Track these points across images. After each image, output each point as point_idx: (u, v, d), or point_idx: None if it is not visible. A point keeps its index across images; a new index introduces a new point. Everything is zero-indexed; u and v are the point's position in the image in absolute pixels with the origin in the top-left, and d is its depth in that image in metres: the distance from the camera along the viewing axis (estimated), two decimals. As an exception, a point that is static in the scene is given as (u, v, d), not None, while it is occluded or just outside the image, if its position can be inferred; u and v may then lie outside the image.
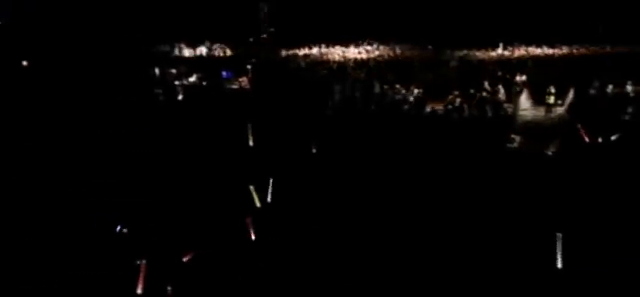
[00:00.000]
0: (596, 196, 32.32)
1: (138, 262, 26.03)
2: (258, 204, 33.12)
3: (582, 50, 68.03)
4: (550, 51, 69.07)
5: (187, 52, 70.30)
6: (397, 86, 53.36)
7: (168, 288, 25.63)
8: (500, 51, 69.27)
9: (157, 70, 64.18)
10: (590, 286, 24.91)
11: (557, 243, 26.99)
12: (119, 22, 67.16)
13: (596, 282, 25.02)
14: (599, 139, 41.06)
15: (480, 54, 68.76)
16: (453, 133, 43.63)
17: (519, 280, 25.60)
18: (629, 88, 52.85)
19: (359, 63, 66.05)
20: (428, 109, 48.28)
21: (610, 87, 52.26)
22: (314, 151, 40.63)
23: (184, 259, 27.27)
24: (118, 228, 30.11)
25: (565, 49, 68.94)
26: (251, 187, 33.39)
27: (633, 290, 24.58)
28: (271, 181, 33.81)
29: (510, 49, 69.73)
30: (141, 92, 55.28)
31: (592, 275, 25.41)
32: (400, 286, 25.53)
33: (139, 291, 25.40)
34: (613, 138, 40.96)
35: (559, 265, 26.59)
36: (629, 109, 46.79)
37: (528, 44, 69.81)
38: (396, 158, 38.25)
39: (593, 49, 66.98)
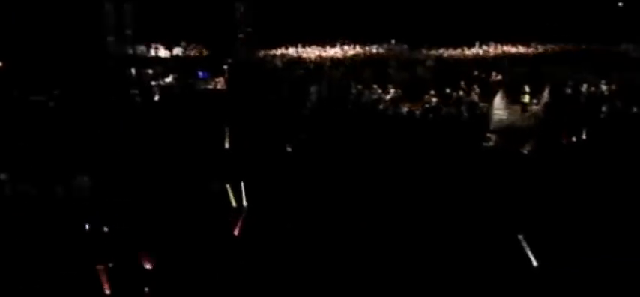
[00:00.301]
0: (571, 194, 32.52)
1: (102, 265, 25.79)
2: (234, 203, 33.05)
3: (557, 49, 68.54)
4: (525, 50, 69.53)
5: (164, 53, 70.13)
6: (374, 86, 53.44)
7: (146, 288, 25.49)
8: (475, 50, 69.62)
9: (133, 71, 63.99)
10: (563, 284, 25.01)
11: (528, 241, 27.08)
12: (95, 22, 66.90)
13: (569, 280, 25.13)
14: (574, 138, 41.29)
15: (456, 53, 69.10)
16: (429, 133, 43.72)
17: (492, 278, 25.66)
18: (603, 87, 53.25)
19: (335, 63, 66.17)
20: (405, 109, 48.28)
21: (584, 86, 52.62)
22: (289, 150, 40.63)
23: (149, 262, 27.08)
24: (91, 226, 29.95)
25: (540, 49, 69.42)
26: (227, 186, 33.30)
27: (607, 287, 24.71)
28: (247, 181, 33.72)
29: (486, 48, 70.09)
30: (117, 92, 55.10)
31: (565, 273, 25.53)
32: (376, 284, 25.52)
33: (108, 291, 25.24)
34: (584, 137, 41.19)
35: (534, 263, 26.65)
36: (604, 108, 47.12)
37: (504, 43, 70.22)
38: (371, 158, 38.27)
39: (568, 47, 67.47)
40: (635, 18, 67.44)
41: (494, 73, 59.30)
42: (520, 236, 27.04)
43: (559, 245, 27.45)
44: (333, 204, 32.19)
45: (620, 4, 70.93)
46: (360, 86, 53.26)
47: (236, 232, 29.59)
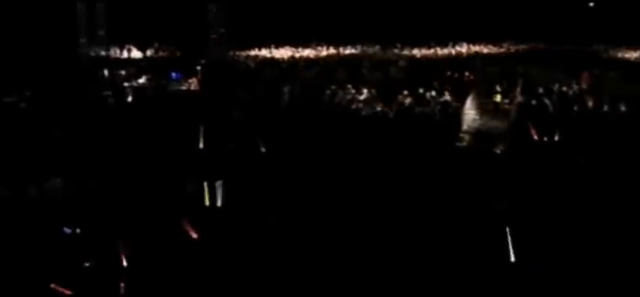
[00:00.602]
0: (544, 194, 32.69)
1: (54, 285, 25.47)
2: (207, 203, 32.95)
3: (528, 49, 69.04)
4: (498, 50, 69.99)
5: (136, 54, 69.99)
6: (348, 86, 53.50)
7: (122, 285, 25.30)
8: (448, 50, 69.97)
9: (106, 72, 63.74)
10: (537, 285, 25.09)
11: (504, 240, 27.13)
12: (67, 23, 66.59)
13: (545, 278, 25.22)
14: (546, 138, 41.49)
15: (428, 53, 69.41)
16: (403, 133, 43.72)
17: (468, 277, 25.70)
18: (575, 86, 53.65)
19: (309, 63, 66.24)
20: (378, 108, 48.29)
21: (556, 85, 52.98)
22: (263, 150, 40.58)
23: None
24: (68, 230, 29.69)
25: (512, 48, 69.91)
26: (205, 183, 33.21)
27: (580, 288, 24.81)
28: (221, 181, 33.63)
29: (459, 48, 70.48)
30: (90, 94, 54.76)
31: (541, 271, 25.62)
32: (353, 287, 25.48)
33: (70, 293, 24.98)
34: (557, 138, 41.40)
35: (507, 262, 26.72)
36: (576, 107, 47.46)
37: (476, 43, 70.66)
38: (345, 158, 38.27)
39: (540, 47, 68.00)
40: (607, 18, 68.20)
41: (467, 73, 59.59)
42: (507, 229, 27.12)
43: (534, 243, 27.55)
44: (308, 203, 32.19)
45: (591, 4, 71.66)
46: (333, 87, 53.29)
47: (195, 235, 29.42)
